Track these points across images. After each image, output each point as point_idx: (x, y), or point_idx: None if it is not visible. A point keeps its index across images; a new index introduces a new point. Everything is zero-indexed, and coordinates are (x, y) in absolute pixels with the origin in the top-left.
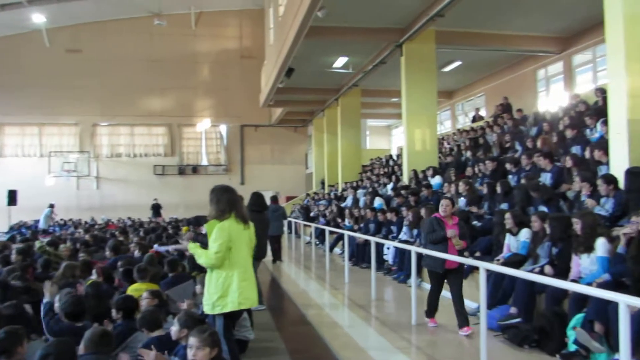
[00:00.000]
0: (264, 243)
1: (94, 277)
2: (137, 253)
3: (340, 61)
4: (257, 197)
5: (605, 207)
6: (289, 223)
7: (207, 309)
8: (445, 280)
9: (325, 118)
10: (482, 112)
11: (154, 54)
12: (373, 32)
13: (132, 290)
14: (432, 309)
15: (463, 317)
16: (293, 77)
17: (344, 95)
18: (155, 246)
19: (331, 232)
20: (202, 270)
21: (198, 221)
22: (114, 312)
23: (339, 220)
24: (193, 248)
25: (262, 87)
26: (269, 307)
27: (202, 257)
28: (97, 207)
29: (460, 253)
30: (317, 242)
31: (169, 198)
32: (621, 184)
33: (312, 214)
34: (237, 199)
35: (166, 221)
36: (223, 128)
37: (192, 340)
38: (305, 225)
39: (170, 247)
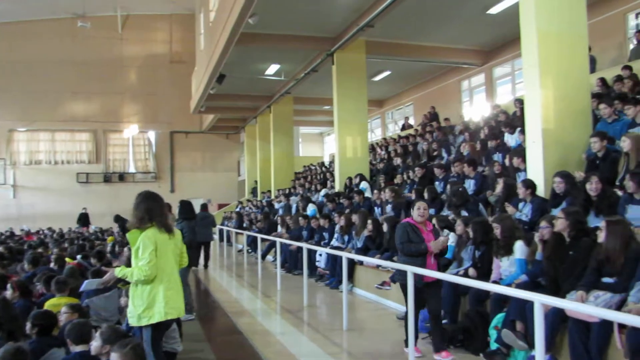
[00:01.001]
0: (194, 251)
1: (9, 291)
2: (52, 265)
3: (273, 68)
4: (185, 204)
5: (524, 211)
6: (221, 231)
7: (132, 321)
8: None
9: (257, 125)
10: (411, 121)
11: (77, 57)
12: (305, 41)
13: (50, 305)
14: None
15: (439, 339)
16: (224, 84)
17: (276, 102)
18: (84, 284)
19: (263, 240)
20: (127, 281)
21: (124, 226)
22: (28, 328)
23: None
24: (120, 271)
25: (193, 93)
26: (199, 317)
27: (134, 273)
28: (14, 218)
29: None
30: (250, 250)
31: (94, 207)
32: (539, 190)
33: (244, 224)
34: (158, 207)
35: (90, 232)
36: (152, 134)
37: (114, 356)
38: (237, 233)
39: (100, 282)
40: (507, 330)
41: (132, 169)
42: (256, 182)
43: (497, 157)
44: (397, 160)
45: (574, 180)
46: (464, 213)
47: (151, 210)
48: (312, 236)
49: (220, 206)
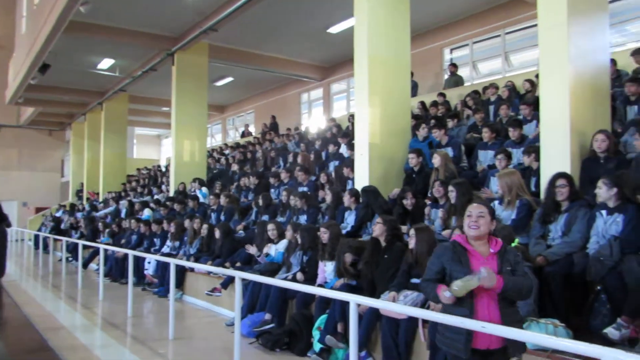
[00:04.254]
0: (3, 258)
1: None
2: None
3: (106, 63)
4: None
5: (348, 219)
6: (37, 237)
7: None
8: None
9: (86, 122)
10: (252, 128)
11: None
12: (143, 37)
13: None
14: None
15: None
16: (48, 74)
17: (109, 99)
18: None
19: (86, 247)
20: None
21: None
22: None
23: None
24: None
25: (10, 81)
26: (1, 334)
27: None
28: None
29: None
30: (70, 258)
31: None
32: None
33: (62, 226)
34: None
35: None
36: None
37: None
38: (56, 240)
39: None
40: (329, 336)
41: None
42: (82, 184)
43: (331, 166)
44: (235, 167)
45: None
46: (304, 217)
47: None
48: (141, 242)
49: (39, 210)
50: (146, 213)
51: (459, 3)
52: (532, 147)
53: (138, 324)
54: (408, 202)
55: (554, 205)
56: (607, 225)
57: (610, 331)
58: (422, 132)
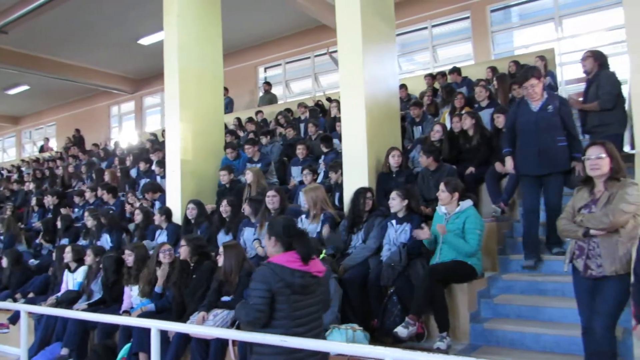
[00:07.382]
0: None
1: None
2: None
3: None
4: None
5: (159, 239)
6: None
7: None
8: None
9: None
10: (53, 143)
11: None
12: None
13: None
14: None
15: None
16: None
17: None
18: None
19: None
20: None
21: None
22: None
23: None
24: None
25: None
26: None
27: None
28: None
29: None
30: None
31: None
32: (176, 217)
33: None
34: None
35: None
36: None
37: None
38: None
39: None
40: None
41: None
42: None
43: (142, 184)
44: (30, 186)
45: (204, 207)
46: (107, 238)
47: None
48: None
49: None
50: None
51: (272, 24)
52: (336, 162)
53: None
54: (223, 209)
55: (360, 217)
56: (397, 234)
57: (400, 330)
58: (233, 154)
